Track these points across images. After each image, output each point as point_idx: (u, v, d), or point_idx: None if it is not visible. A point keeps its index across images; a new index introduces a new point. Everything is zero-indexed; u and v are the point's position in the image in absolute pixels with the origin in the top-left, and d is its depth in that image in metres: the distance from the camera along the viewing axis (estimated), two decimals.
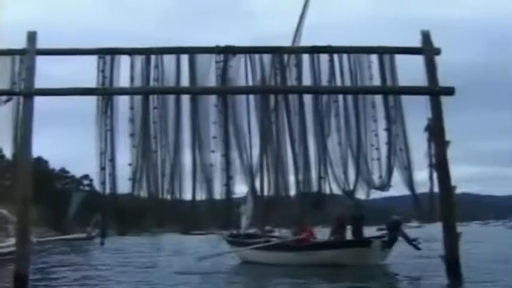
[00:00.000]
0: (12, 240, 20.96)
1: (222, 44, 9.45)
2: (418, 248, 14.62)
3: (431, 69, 9.50)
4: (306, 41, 10.22)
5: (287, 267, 13.92)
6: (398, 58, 9.70)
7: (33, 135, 9.02)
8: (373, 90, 9.55)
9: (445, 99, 9.34)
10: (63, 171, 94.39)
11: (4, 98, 9.25)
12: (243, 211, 16.12)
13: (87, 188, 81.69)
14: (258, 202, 10.13)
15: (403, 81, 9.58)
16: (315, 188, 9.23)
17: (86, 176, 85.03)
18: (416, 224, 46.99)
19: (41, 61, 9.24)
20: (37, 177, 8.18)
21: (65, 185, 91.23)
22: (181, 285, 11.06)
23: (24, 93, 9.13)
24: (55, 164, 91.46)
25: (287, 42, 10.01)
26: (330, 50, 9.58)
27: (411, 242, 14.79)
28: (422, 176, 9.39)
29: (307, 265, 13.76)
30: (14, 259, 9.04)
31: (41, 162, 72.00)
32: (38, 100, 9.08)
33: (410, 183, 9.24)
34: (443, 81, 9.39)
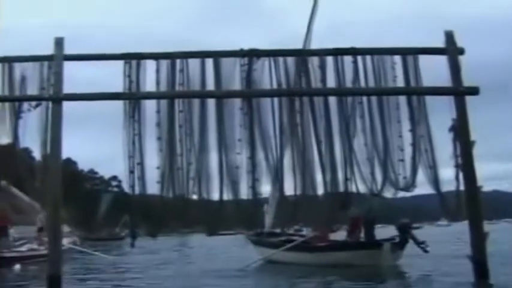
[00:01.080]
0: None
1: (246, 47, 9.56)
2: (426, 251, 15.01)
3: (455, 69, 9.49)
4: (329, 41, 10.25)
5: (305, 267, 14.64)
6: (421, 58, 9.75)
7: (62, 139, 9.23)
8: (397, 91, 9.57)
9: (471, 98, 9.34)
10: (92, 172, 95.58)
11: (34, 103, 9.45)
12: (266, 211, 16.33)
13: (115, 189, 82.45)
14: (281, 202, 10.20)
15: (426, 81, 9.64)
16: (341, 189, 9.31)
17: (115, 177, 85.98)
18: (446, 222, 46.75)
19: (69, 66, 9.44)
20: (66, 178, 8.34)
21: (94, 186, 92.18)
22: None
23: (53, 98, 9.30)
24: (84, 165, 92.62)
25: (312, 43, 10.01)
26: (353, 51, 9.63)
27: (419, 244, 15.20)
28: (448, 175, 9.41)
29: (322, 265, 14.52)
30: (48, 261, 9.21)
31: (70, 163, 72.85)
32: (67, 102, 9.25)
33: (435, 183, 9.27)
34: (468, 80, 9.41)
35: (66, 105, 9.30)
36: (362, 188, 9.43)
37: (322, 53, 9.65)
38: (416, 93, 9.56)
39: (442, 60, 9.58)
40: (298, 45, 9.75)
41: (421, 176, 9.25)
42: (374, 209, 15.64)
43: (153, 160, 9.21)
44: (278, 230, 17.75)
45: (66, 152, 9.35)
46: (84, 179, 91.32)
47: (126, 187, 9.46)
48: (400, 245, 14.85)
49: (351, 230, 16.04)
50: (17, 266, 15.03)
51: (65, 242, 22.59)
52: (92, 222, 67.51)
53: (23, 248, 18.54)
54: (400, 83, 9.52)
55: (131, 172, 9.19)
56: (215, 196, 9.21)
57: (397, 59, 9.60)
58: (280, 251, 16.50)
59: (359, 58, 9.58)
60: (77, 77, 10.31)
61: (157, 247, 23.49)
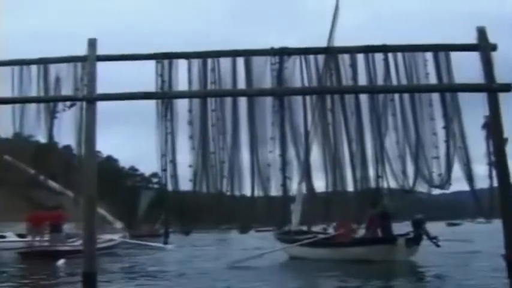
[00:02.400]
0: (108, 236, 23.58)
1: (277, 45, 9.60)
2: (438, 246, 15.78)
3: (487, 65, 9.38)
4: (360, 38, 10.22)
5: (324, 262, 15.41)
6: (453, 55, 9.67)
7: (98, 137, 9.31)
8: (429, 89, 9.52)
9: (504, 95, 9.24)
10: (132, 169, 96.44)
11: (68, 103, 9.62)
12: (293, 209, 16.49)
13: (156, 186, 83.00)
14: (311, 200, 10.24)
15: (457, 78, 9.55)
16: (372, 186, 9.31)
17: (155, 174, 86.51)
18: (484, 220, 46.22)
19: (102, 66, 9.57)
20: (108, 175, 8.52)
21: (134, 183, 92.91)
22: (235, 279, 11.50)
23: (87, 98, 9.44)
24: (125, 162, 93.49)
25: (341, 42, 10.01)
26: (384, 48, 9.59)
27: (432, 239, 15.94)
28: (482, 172, 9.34)
29: (340, 260, 15.21)
30: (82, 258, 9.37)
31: (111, 161, 73.69)
32: (105, 102, 9.39)
33: (470, 180, 9.21)
34: (501, 77, 9.29)
35: (105, 104, 9.47)
36: (393, 185, 9.43)
37: (352, 51, 9.62)
38: (449, 90, 9.49)
39: (473, 56, 9.53)
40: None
41: (459, 173, 9.19)
42: (390, 206, 15.76)
43: (185, 158, 9.32)
44: (305, 228, 18.06)
45: (108, 150, 9.53)
46: (125, 176, 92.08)
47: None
48: (415, 240, 15.36)
49: (369, 226, 16.44)
50: (61, 261, 15.45)
51: (117, 236, 24.11)
52: (133, 219, 67.40)
53: (76, 243, 19.17)
54: (433, 80, 9.45)
55: (164, 170, 9.31)
56: (247, 193, 9.29)
57: (429, 55, 9.55)
58: (302, 247, 17.17)
59: (390, 55, 9.54)
60: (110, 77, 10.43)
61: (196, 243, 23.95)
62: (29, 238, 23.31)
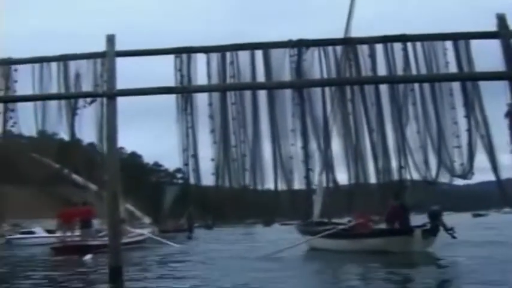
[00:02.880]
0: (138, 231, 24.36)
1: (295, 37, 9.57)
2: (454, 237, 15.79)
3: (508, 53, 9.31)
4: (379, 28, 10.16)
5: (343, 253, 15.62)
6: (473, 43, 9.58)
7: (121, 134, 9.38)
8: (449, 78, 9.45)
9: None
10: (156, 165, 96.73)
11: (89, 99, 9.68)
12: (314, 200, 16.52)
13: (180, 181, 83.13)
14: (331, 193, 10.23)
15: (478, 66, 9.47)
16: (395, 177, 9.28)
17: (179, 170, 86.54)
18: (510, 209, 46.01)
19: (121, 62, 9.62)
20: (132, 171, 8.63)
21: (159, 178, 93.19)
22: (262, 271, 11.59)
23: (107, 94, 9.50)
24: (149, 158, 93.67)
25: (359, 33, 9.94)
26: (403, 38, 9.53)
27: (448, 230, 15.97)
28: (506, 161, 9.26)
29: (358, 252, 15.38)
30: (108, 253, 9.47)
31: (135, 157, 73.89)
32: (126, 98, 9.45)
33: (494, 170, 9.13)
34: None
35: (128, 100, 9.54)
36: (416, 176, 9.40)
37: (371, 41, 9.57)
38: (469, 78, 9.42)
39: (493, 43, 9.43)
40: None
41: (483, 162, 9.12)
42: (409, 197, 15.77)
43: (207, 152, 9.35)
44: (326, 220, 18.10)
45: (132, 146, 9.60)
46: (150, 172, 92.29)
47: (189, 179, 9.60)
48: (432, 231, 15.52)
49: (387, 218, 16.52)
50: (88, 256, 15.71)
51: (146, 232, 24.79)
52: (158, 215, 67.05)
53: (105, 238, 19.64)
54: (453, 68, 9.39)
55: (186, 165, 9.35)
56: (270, 187, 9.31)
57: (449, 44, 9.47)
58: (322, 238, 17.29)
59: (409, 45, 9.48)
60: (131, 73, 10.49)
61: (222, 237, 24.23)
62: (58, 234, 24.09)
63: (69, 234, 22.12)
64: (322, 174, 9.57)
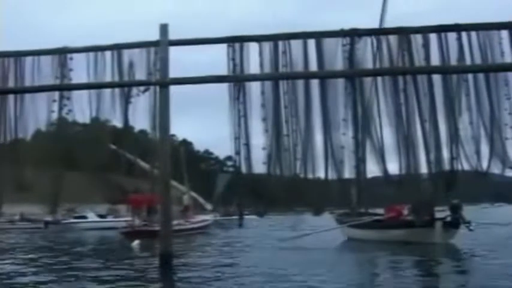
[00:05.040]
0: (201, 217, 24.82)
1: (348, 27, 9.55)
2: (470, 230, 16.65)
3: None
4: (433, 19, 10.07)
5: (370, 243, 16.67)
6: None
7: (172, 121, 9.58)
8: (505, 67, 9.31)
9: None
10: (207, 152, 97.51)
11: (142, 88, 9.82)
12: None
13: (230, 169, 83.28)
14: (384, 182, 10.18)
15: None
16: (446, 168, 9.20)
17: (230, 158, 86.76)
18: None
19: (175, 51, 9.72)
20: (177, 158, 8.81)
21: (209, 166, 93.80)
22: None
23: (160, 83, 9.63)
24: (200, 146, 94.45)
25: (414, 22, 9.83)
26: (457, 28, 9.42)
27: (465, 223, 16.86)
28: None
29: (383, 242, 16.32)
30: (160, 239, 9.62)
31: (185, 144, 74.25)
32: (180, 86, 9.55)
33: None
34: None
35: (179, 88, 9.66)
36: (467, 167, 9.30)
37: (425, 31, 9.48)
38: None
39: None
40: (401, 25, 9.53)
41: None
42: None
43: (258, 141, 9.40)
44: (364, 210, 18.35)
45: (183, 133, 9.73)
46: (200, 159, 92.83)
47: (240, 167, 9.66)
48: (453, 224, 16.42)
49: (414, 210, 16.34)
50: (136, 242, 16.11)
51: (208, 217, 27.53)
52: (208, 202, 68.04)
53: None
54: (508, 58, 9.25)
55: (237, 153, 9.42)
56: (320, 176, 9.32)
57: (504, 33, 9.33)
58: (352, 228, 18.52)
59: (464, 34, 9.37)
60: (183, 62, 10.59)
61: (271, 224, 24.73)
62: (127, 218, 25.27)
63: (137, 219, 23.27)
64: (360, 163, 9.53)
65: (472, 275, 10.35)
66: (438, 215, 16.57)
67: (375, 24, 16.22)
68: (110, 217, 33.61)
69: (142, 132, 11.30)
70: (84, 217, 34.46)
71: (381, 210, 18.87)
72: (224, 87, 9.48)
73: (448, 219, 16.51)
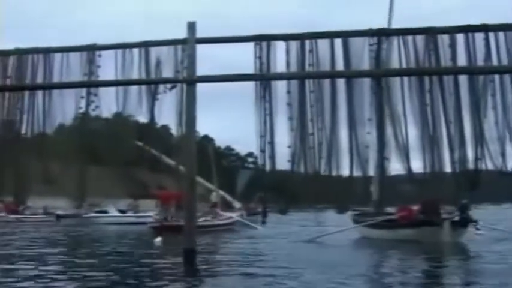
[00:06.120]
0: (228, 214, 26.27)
1: (375, 27, 9.58)
2: (477, 229, 17.05)
3: None
4: (459, 19, 10.06)
5: (382, 242, 16.90)
6: None
7: (197, 119, 9.67)
8: None
9: None
10: (228, 149, 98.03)
11: (169, 85, 9.91)
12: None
13: (251, 166, 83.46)
14: (407, 182, 10.23)
15: None
16: (471, 168, 9.22)
17: (251, 154, 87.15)
18: None
19: (202, 49, 9.81)
20: (204, 154, 8.92)
21: (230, 162, 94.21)
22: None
23: (187, 80, 9.73)
24: (221, 142, 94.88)
25: (438, 22, 9.86)
26: (484, 28, 9.41)
27: (472, 222, 17.08)
28: None
29: (395, 241, 16.57)
30: (184, 235, 9.73)
31: (207, 140, 74.45)
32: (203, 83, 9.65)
33: None
34: None
35: (201, 84, 9.73)
36: (491, 167, 9.32)
37: (452, 31, 9.48)
38: None
39: None
40: (427, 24, 9.54)
41: None
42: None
43: (282, 139, 9.47)
44: (379, 210, 18.54)
45: (204, 129, 9.82)
46: (221, 155, 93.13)
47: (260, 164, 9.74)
48: (462, 223, 16.57)
49: (423, 211, 17.25)
50: (158, 238, 16.31)
51: (234, 215, 26.74)
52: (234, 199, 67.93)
53: (199, 220, 20.68)
54: None
55: (262, 151, 9.50)
56: (344, 174, 9.38)
57: None
58: (365, 227, 18.87)
59: (491, 35, 9.36)
60: (211, 60, 10.68)
61: (294, 222, 24.99)
62: (155, 214, 25.72)
63: (167, 214, 23.51)
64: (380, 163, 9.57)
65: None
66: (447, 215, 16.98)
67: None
68: (130, 212, 33.78)
69: (164, 127, 11.39)
70: (105, 212, 34.73)
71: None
72: (246, 84, 9.58)
73: (456, 218, 16.78)
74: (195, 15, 10.17)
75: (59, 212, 36.54)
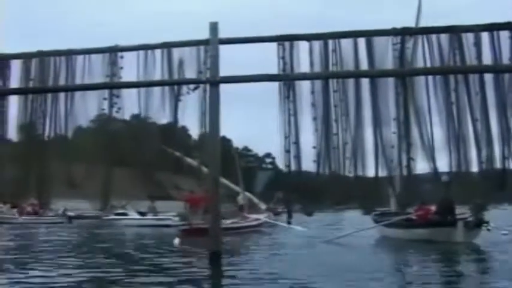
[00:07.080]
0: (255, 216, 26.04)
1: (398, 25, 9.52)
2: (488, 229, 16.60)
3: None
4: (485, 17, 10.00)
5: (400, 242, 17.17)
6: None
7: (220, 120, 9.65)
8: None
9: None
10: (246, 149, 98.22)
11: (192, 86, 9.90)
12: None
13: (269, 166, 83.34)
14: (432, 181, 10.17)
15: None
16: (498, 167, 9.15)
17: (269, 155, 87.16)
18: None
19: (225, 49, 9.79)
20: (222, 155, 8.89)
21: (248, 163, 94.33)
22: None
23: (210, 81, 9.71)
24: (238, 142, 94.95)
25: (463, 20, 9.78)
26: (509, 26, 9.33)
27: (484, 223, 16.60)
28: None
29: (410, 240, 16.83)
30: (210, 237, 9.70)
31: (225, 141, 74.27)
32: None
33: None
34: None
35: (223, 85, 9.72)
36: None
37: (477, 29, 9.40)
38: None
39: None
40: (451, 23, 9.48)
41: None
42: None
43: (308, 139, 9.44)
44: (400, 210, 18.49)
45: (222, 130, 9.79)
46: (240, 156, 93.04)
47: (280, 165, 9.74)
48: (475, 224, 16.31)
49: (438, 211, 17.46)
50: (177, 240, 16.33)
51: (262, 217, 26.58)
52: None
53: (227, 221, 20.92)
54: None
55: (287, 151, 9.47)
56: (370, 174, 9.34)
57: None
58: (384, 227, 19.00)
59: None
60: (234, 60, 10.66)
61: (321, 223, 24.98)
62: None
63: (195, 218, 23.27)
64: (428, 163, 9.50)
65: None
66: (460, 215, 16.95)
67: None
68: (150, 215, 33.64)
69: (183, 128, 11.40)
70: (125, 214, 34.62)
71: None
72: (263, 85, 9.55)
73: (470, 219, 16.66)
74: (214, 16, 10.12)
75: (71, 213, 36.39)
